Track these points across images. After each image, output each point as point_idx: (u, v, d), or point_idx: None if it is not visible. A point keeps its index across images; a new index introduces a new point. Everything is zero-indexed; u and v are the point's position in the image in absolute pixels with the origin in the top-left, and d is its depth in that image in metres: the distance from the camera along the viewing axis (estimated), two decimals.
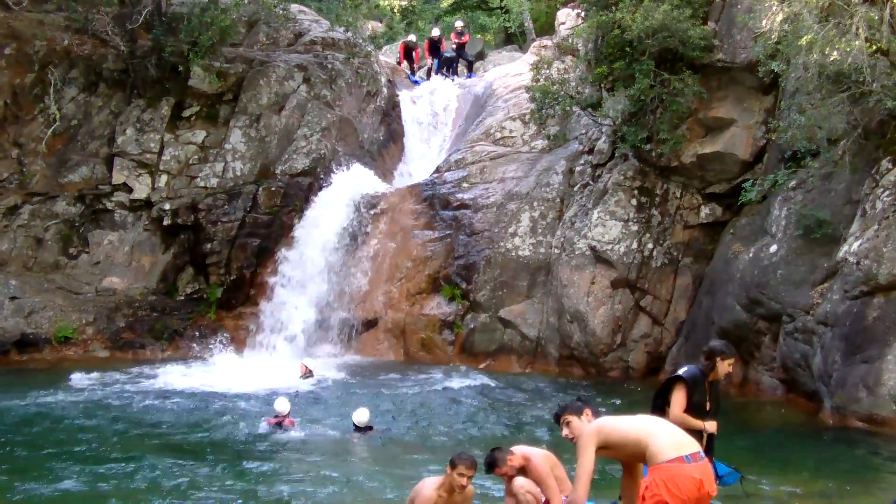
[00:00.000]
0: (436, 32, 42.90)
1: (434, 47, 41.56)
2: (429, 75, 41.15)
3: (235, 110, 32.60)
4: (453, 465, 12.21)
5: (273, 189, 31.89)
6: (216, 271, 31.44)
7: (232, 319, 31.12)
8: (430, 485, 12.64)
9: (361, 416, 20.91)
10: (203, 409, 23.24)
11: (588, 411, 11.43)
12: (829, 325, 22.67)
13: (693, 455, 10.04)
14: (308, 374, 24.52)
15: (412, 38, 43.36)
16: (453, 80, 40.34)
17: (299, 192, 32.21)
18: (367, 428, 20.88)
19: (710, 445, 12.58)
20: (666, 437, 10.26)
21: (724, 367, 12.63)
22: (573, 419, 11.29)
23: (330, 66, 34.31)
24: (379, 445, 20.39)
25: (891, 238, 21.75)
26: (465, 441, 20.44)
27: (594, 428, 10.63)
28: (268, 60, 33.51)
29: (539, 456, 12.63)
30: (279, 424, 21.00)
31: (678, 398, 12.55)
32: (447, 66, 41.26)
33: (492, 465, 12.54)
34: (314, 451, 19.92)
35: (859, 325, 21.96)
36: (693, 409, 12.54)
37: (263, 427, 21.17)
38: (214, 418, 22.23)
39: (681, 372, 12.81)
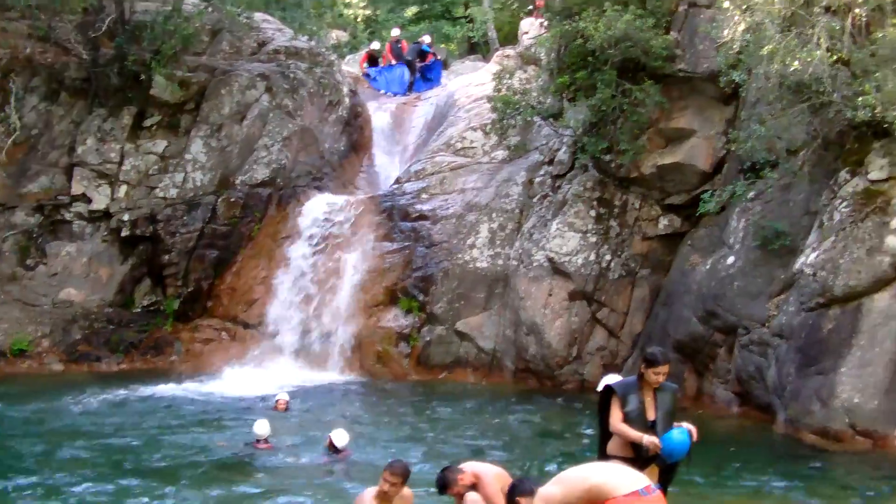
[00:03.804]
0: (395, 32, 42.68)
1: (396, 51, 41.29)
2: (410, 88, 40.82)
3: (197, 120, 32.28)
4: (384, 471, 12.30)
5: (233, 200, 31.64)
6: (174, 283, 31.13)
7: (188, 332, 30.83)
8: (368, 495, 12.68)
9: (340, 437, 19.85)
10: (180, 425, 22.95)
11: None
12: (784, 338, 22.54)
13: (647, 488, 9.94)
14: (286, 408, 23.81)
15: (376, 45, 43.12)
16: (423, 89, 40.18)
17: (259, 202, 32.02)
18: (343, 451, 19.81)
19: (655, 458, 12.36)
20: (616, 474, 10.12)
21: (651, 375, 12.37)
22: (524, 501, 10.93)
23: (292, 75, 34.08)
24: (357, 468, 19.45)
25: (848, 250, 21.61)
26: (435, 459, 19.88)
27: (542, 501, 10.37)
28: (230, 69, 33.23)
29: (490, 475, 12.43)
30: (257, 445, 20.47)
31: (613, 409, 12.35)
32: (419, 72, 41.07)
33: (443, 486, 12.40)
34: (290, 475, 19.21)
35: (814, 338, 21.84)
36: (632, 418, 12.28)
37: (241, 449, 20.58)
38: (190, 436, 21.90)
39: (613, 382, 12.62)
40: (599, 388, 13.29)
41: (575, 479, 10.25)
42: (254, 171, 32.18)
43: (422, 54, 41.43)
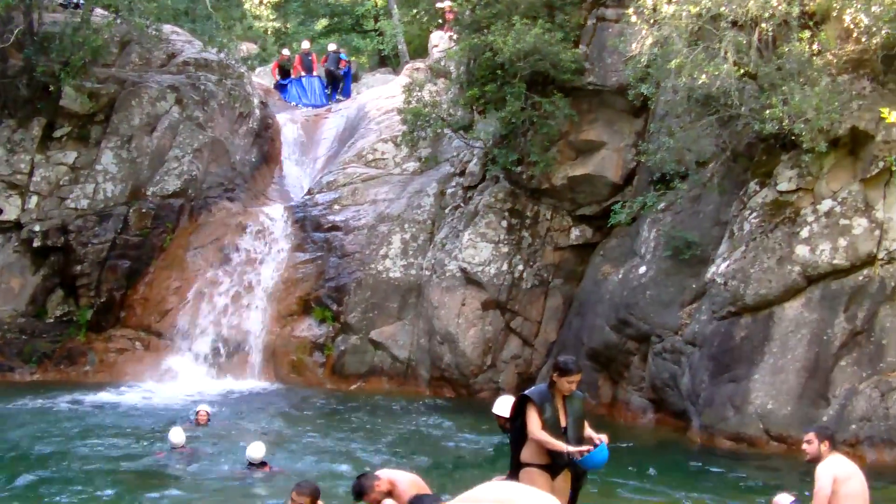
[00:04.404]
0: (305, 45, 42.30)
1: (306, 63, 40.95)
2: (328, 99, 40.47)
3: (107, 131, 31.64)
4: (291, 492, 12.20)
5: (144, 210, 31.07)
6: (86, 293, 30.43)
7: (102, 342, 30.20)
8: None
9: (256, 450, 19.19)
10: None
11: None
12: (697, 346, 22.67)
13: None
14: (207, 420, 23.38)
15: (286, 52, 42.69)
16: (335, 101, 39.88)
17: (171, 213, 31.52)
18: (262, 464, 19.20)
19: (570, 464, 12.30)
20: (525, 498, 9.92)
21: (564, 383, 12.26)
22: None
23: (202, 87, 33.61)
24: (274, 481, 18.94)
25: (758, 259, 21.76)
26: (352, 467, 19.62)
27: None
28: (140, 81, 32.66)
29: (405, 482, 12.24)
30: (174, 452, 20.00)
31: (532, 418, 12.17)
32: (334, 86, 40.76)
33: (359, 493, 12.17)
34: (207, 486, 18.72)
35: (727, 345, 22.00)
36: (548, 426, 12.14)
37: (157, 458, 20.13)
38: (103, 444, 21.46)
39: (528, 391, 12.52)
40: (496, 409, 13.58)
41: (482, 501, 10.08)
42: (165, 182, 31.65)
43: (337, 62, 41.17)
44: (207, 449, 21.14)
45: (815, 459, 12.17)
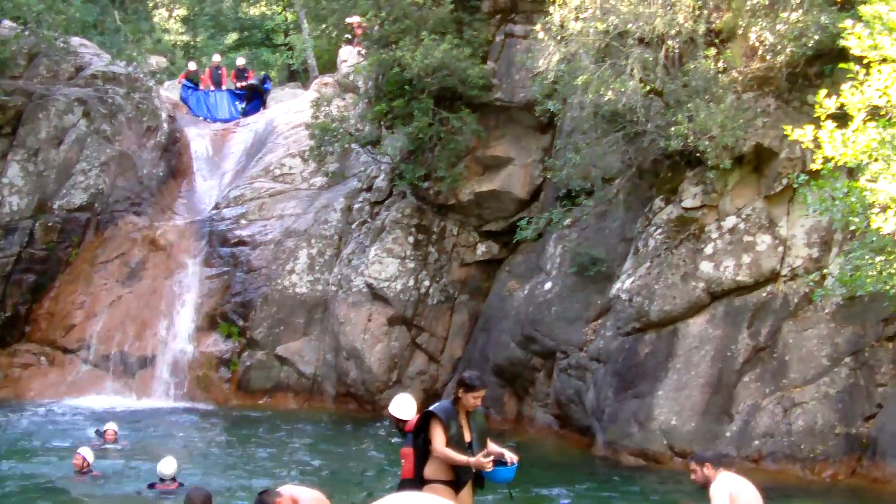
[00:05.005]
0: (216, 59, 41.69)
1: (216, 77, 40.32)
2: (245, 114, 39.78)
3: (14, 144, 30.86)
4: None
5: (50, 224, 30.39)
6: None
7: (6, 357, 29.45)
8: None
9: (167, 466, 18.49)
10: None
11: None
12: (601, 362, 22.50)
13: None
14: (114, 438, 22.67)
15: (192, 66, 42.02)
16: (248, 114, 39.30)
17: (77, 227, 30.89)
18: (172, 480, 18.51)
19: (480, 479, 12.24)
20: None
21: (470, 399, 12.13)
22: None
23: (110, 100, 32.93)
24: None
25: (662, 275, 21.61)
26: (256, 484, 19.08)
27: None
28: (48, 94, 31.90)
29: (307, 499, 11.79)
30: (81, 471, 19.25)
31: (437, 434, 12.00)
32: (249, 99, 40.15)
33: None
34: None
35: (631, 361, 21.85)
36: (453, 442, 11.97)
37: (61, 478, 19.51)
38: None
39: (432, 407, 12.34)
40: (391, 409, 13.40)
41: None
42: (71, 195, 31.00)
43: (244, 77, 40.59)
44: (117, 468, 20.65)
45: (706, 484, 12.04)
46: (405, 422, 13.04)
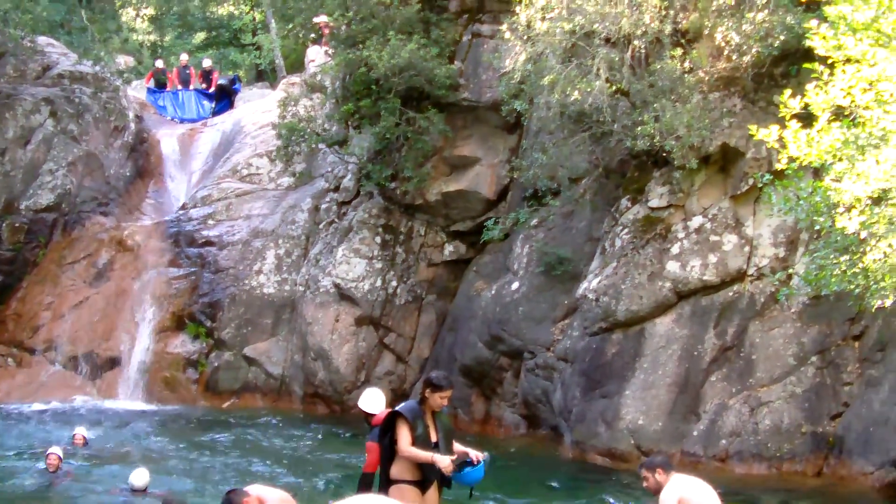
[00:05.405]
0: (184, 58, 41.38)
1: (184, 76, 40.03)
2: (215, 114, 39.47)
3: None
4: None
5: (17, 225, 30.11)
6: None
7: None
8: None
9: (139, 478, 18.16)
10: None
11: None
12: (568, 361, 22.44)
13: None
14: (84, 443, 22.44)
15: (160, 64, 41.73)
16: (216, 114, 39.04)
17: (44, 228, 30.62)
18: (143, 490, 18.17)
19: (446, 478, 12.21)
20: None
21: (436, 399, 12.16)
22: None
23: (77, 100, 32.69)
24: None
25: (629, 275, 21.56)
26: (224, 484, 18.90)
27: None
28: (14, 93, 31.64)
29: (274, 499, 11.72)
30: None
31: (403, 433, 12.01)
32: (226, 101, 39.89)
33: None
34: None
35: (598, 361, 21.78)
36: (419, 442, 11.98)
37: (33, 481, 19.27)
38: None
39: (399, 407, 12.34)
40: (360, 403, 13.49)
41: None
42: (38, 196, 30.74)
43: (209, 78, 40.31)
44: (87, 473, 20.42)
45: (659, 490, 11.95)
46: (373, 415, 13.11)
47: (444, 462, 11.88)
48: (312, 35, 35.20)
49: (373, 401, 13.34)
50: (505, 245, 26.01)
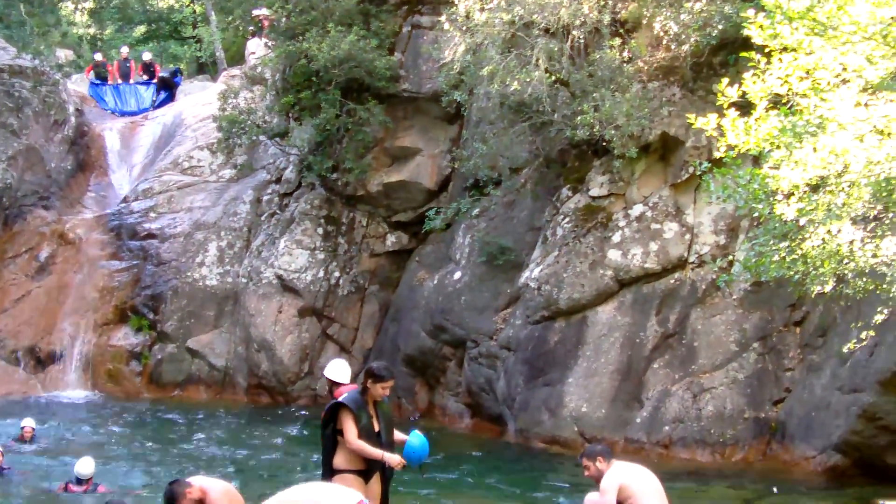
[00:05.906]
0: (124, 51, 41.02)
1: (124, 70, 39.64)
2: (156, 107, 39.05)
3: None
4: None
5: None
6: None
7: None
8: None
9: (85, 466, 18.03)
10: None
11: None
12: (511, 350, 22.43)
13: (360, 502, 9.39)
14: (31, 436, 22.10)
15: (98, 56, 41.29)
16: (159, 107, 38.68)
17: None
18: (88, 480, 18.03)
19: (390, 473, 12.32)
20: (328, 495, 9.56)
21: (378, 389, 12.13)
22: None
23: (17, 93, 32.27)
24: (100, 498, 17.87)
25: (571, 264, 21.58)
26: (168, 475, 18.70)
27: None
28: None
29: (217, 490, 11.54)
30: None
31: (348, 425, 11.99)
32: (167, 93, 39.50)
33: (170, 500, 11.41)
34: None
35: (541, 350, 21.81)
36: (363, 433, 11.98)
37: None
38: None
39: (342, 398, 12.25)
40: (327, 372, 13.53)
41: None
42: None
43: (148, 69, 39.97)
44: (33, 466, 20.29)
45: (599, 478, 12.00)
46: (338, 385, 13.09)
47: (394, 461, 11.96)
48: (252, 27, 35.14)
49: (339, 371, 13.34)
50: (447, 235, 25.99)
